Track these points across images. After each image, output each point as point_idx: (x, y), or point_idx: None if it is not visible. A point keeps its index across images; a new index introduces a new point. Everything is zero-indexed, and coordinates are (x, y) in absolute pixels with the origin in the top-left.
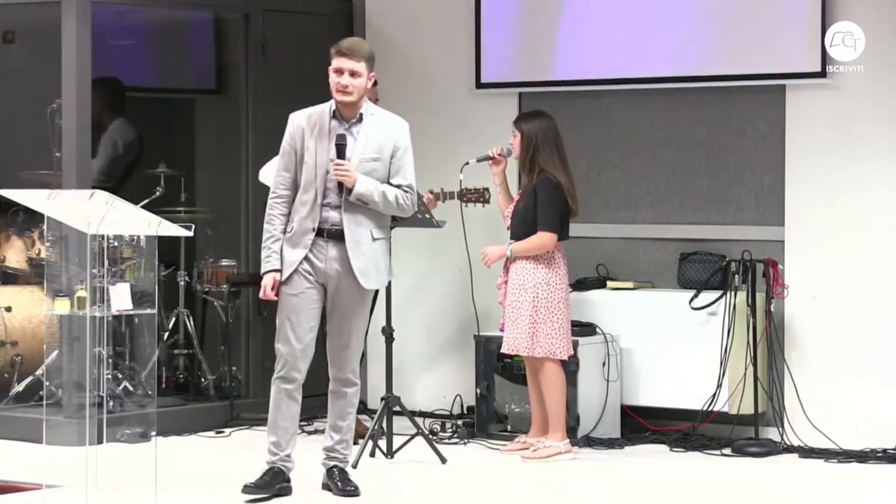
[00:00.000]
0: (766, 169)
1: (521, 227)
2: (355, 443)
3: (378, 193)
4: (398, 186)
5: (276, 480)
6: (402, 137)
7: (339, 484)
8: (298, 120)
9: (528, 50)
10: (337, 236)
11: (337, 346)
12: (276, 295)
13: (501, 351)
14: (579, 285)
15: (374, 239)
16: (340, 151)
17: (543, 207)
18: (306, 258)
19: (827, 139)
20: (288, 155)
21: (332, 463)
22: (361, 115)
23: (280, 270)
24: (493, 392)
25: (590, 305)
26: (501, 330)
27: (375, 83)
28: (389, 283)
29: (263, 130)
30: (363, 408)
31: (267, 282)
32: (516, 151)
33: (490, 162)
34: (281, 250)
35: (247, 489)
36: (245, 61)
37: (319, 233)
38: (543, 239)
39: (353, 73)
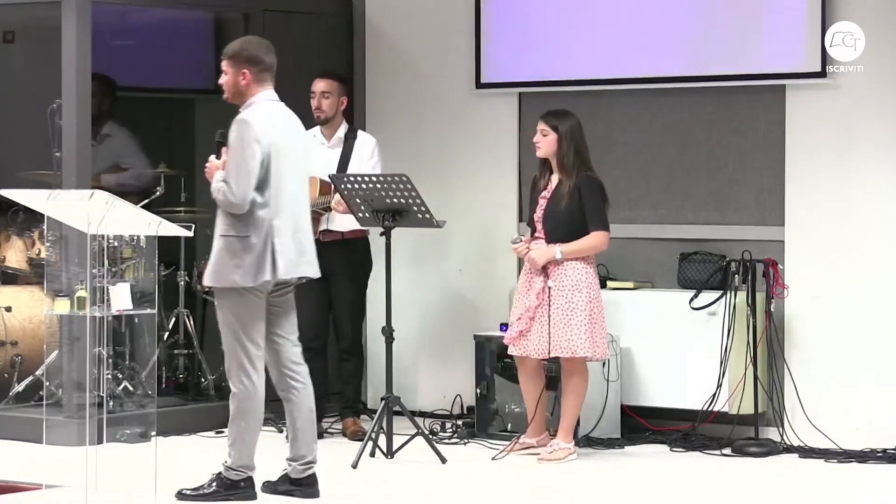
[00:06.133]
0: (766, 169)
1: (563, 229)
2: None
3: (214, 191)
4: None
5: (280, 484)
6: (232, 130)
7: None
8: None
9: (528, 50)
10: None
11: None
12: None
13: (552, 354)
14: None
15: (220, 236)
16: (216, 149)
17: (593, 207)
18: None
19: (827, 139)
20: None
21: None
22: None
23: None
24: (493, 392)
25: None
26: (503, 329)
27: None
28: (389, 282)
29: None
30: (363, 408)
31: None
32: (547, 149)
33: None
34: None
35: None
36: None
37: None
38: (599, 238)
39: (223, 72)
